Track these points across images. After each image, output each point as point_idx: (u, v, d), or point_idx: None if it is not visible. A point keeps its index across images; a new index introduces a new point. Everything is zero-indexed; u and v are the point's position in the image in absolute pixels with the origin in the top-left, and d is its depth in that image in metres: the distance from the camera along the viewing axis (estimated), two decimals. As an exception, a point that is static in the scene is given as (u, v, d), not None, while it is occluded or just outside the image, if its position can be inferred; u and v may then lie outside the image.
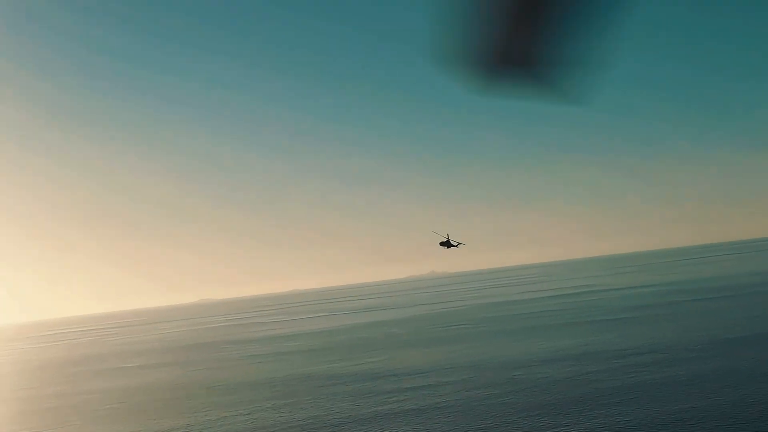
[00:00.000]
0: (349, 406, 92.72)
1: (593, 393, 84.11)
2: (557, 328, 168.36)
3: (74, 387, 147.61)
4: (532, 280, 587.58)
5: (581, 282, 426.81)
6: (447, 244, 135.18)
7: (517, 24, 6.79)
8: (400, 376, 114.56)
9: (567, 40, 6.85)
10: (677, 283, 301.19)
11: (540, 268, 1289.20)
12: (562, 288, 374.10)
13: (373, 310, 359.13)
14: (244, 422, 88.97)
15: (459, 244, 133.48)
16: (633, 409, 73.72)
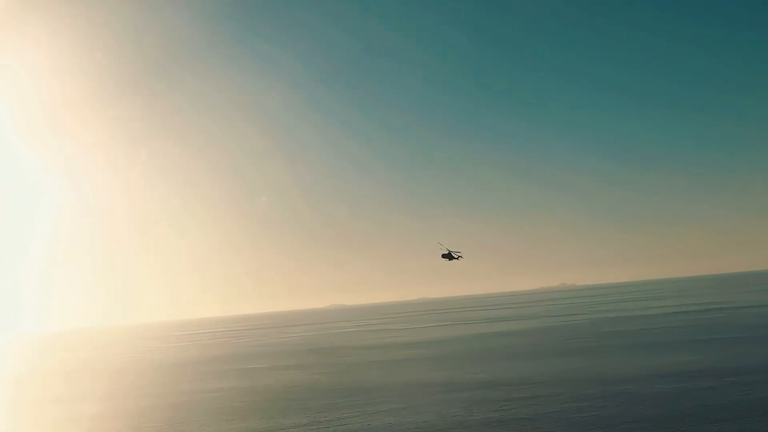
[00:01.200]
0: (461, 412, 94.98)
1: (703, 409, 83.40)
2: (681, 343, 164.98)
3: (203, 385, 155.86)
4: (663, 294, 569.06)
5: (715, 298, 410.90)
6: (449, 256, 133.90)
7: None
8: (515, 386, 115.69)
9: None
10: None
11: (676, 283, 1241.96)
12: (695, 303, 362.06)
13: (497, 321, 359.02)
14: (359, 424, 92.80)
15: (459, 256, 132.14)
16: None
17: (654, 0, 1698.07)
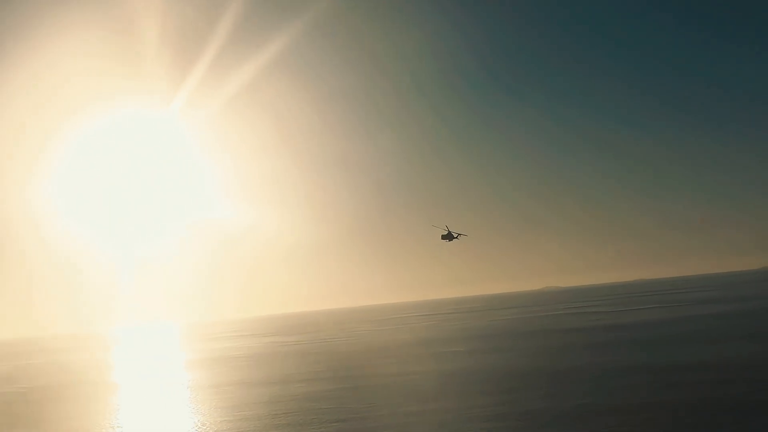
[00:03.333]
0: (651, 394, 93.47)
1: None
2: None
3: (405, 368, 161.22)
4: None
5: None
6: (448, 236, 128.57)
7: None
8: (719, 369, 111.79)
9: None
10: None
11: None
12: None
13: (708, 303, 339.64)
14: (543, 405, 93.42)
15: (460, 235, 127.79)
16: None
17: None
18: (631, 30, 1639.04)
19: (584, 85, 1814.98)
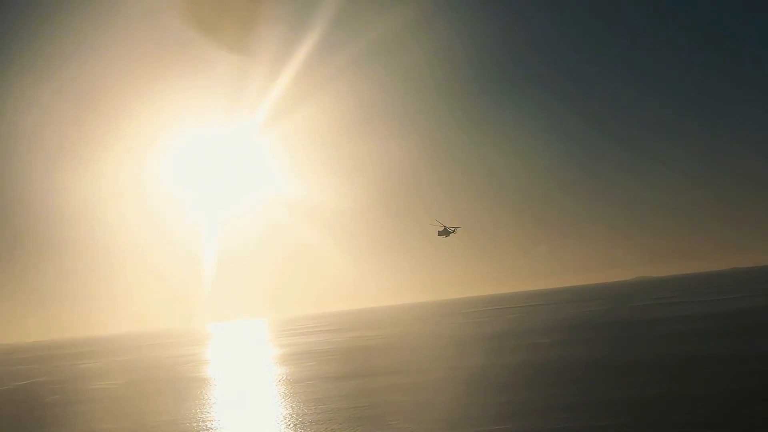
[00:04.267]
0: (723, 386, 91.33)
1: None
2: None
3: (487, 359, 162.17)
4: None
5: None
6: (445, 232, 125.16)
7: None
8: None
9: None
10: None
11: None
12: None
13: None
14: (617, 396, 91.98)
15: (456, 228, 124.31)
16: None
17: None
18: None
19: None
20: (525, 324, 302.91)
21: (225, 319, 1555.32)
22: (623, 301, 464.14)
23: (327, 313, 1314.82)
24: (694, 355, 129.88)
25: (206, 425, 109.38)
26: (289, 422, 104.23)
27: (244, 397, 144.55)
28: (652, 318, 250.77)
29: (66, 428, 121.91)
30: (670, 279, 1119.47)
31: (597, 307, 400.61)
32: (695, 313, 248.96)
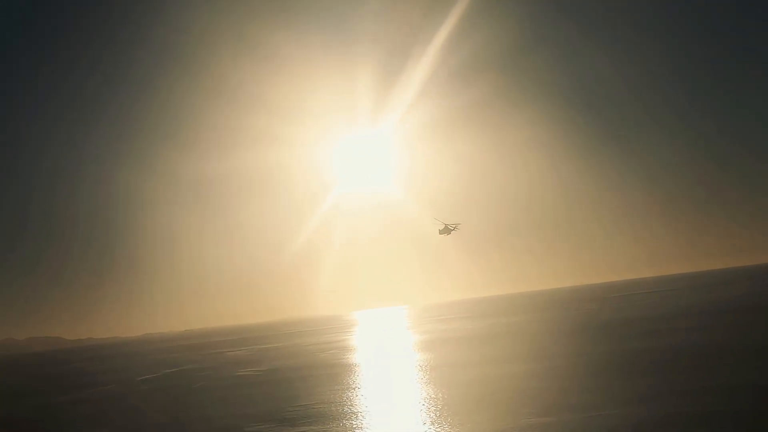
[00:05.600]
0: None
1: None
2: None
3: (619, 345, 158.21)
4: None
5: None
6: (446, 231, 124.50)
7: None
8: None
9: None
10: None
11: None
12: None
13: None
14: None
15: (456, 225, 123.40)
16: None
17: None
18: None
19: None
20: (659, 309, 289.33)
21: (367, 307, 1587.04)
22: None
23: (464, 300, 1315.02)
24: None
25: (346, 409, 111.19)
26: (425, 406, 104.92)
27: (383, 382, 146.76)
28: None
29: (209, 412, 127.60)
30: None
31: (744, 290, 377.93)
32: None
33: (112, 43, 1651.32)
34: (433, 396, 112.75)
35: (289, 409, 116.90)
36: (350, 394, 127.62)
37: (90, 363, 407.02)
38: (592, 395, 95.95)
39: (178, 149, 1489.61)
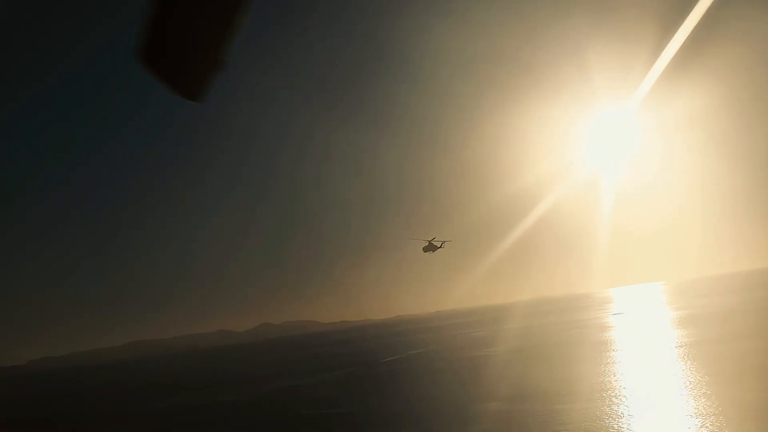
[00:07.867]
0: None
1: None
2: None
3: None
4: None
5: None
6: (431, 248, 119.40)
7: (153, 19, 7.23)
8: None
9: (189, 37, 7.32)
10: None
11: None
12: None
13: None
14: None
15: (443, 243, 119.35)
16: None
17: None
18: None
19: None
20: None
21: (622, 284, 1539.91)
22: None
23: (723, 275, 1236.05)
24: None
25: (586, 389, 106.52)
26: (680, 384, 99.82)
27: (643, 360, 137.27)
28: None
29: (448, 392, 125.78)
30: None
31: None
32: None
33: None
34: (684, 374, 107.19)
35: (526, 387, 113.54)
36: (596, 373, 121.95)
37: (339, 346, 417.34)
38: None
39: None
